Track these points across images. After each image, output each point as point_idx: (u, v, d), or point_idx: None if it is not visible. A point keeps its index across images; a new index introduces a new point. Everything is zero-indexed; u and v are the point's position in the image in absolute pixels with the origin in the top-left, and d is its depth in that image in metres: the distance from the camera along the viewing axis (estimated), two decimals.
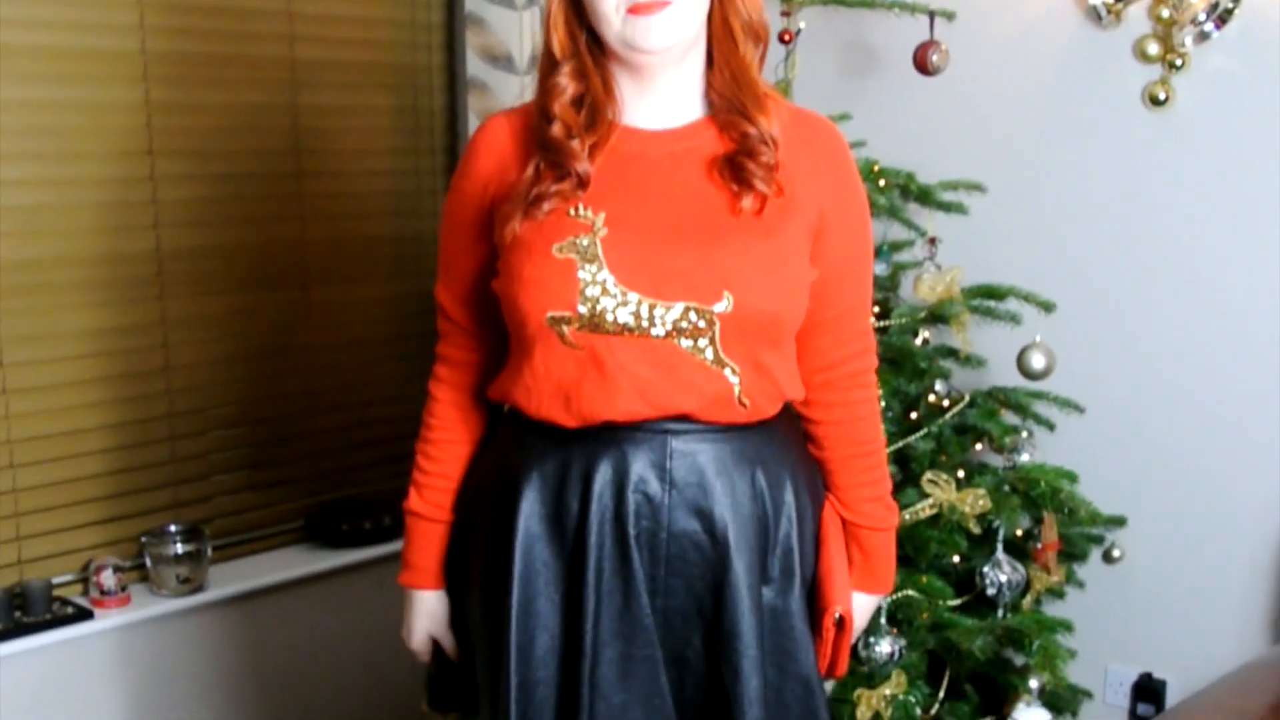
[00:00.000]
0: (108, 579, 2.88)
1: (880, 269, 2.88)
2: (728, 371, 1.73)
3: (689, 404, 1.73)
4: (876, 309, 2.85)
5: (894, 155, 2.88)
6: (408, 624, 2.02)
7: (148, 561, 2.98)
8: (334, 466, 3.34)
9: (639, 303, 1.70)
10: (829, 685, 2.60)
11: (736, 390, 1.74)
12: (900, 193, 2.82)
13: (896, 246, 2.97)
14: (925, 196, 2.84)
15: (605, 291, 1.69)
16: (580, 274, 1.70)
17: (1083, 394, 2.93)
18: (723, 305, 1.70)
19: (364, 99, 3.35)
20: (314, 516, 3.30)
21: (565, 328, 1.71)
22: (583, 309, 1.70)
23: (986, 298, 2.80)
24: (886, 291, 2.94)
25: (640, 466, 1.75)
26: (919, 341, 2.81)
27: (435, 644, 2.04)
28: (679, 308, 1.70)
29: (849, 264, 1.86)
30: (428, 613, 2.00)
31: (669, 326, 1.70)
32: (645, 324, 1.70)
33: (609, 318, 1.69)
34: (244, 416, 3.18)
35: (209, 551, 3.03)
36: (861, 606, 1.96)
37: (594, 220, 1.72)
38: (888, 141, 2.98)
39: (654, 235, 1.72)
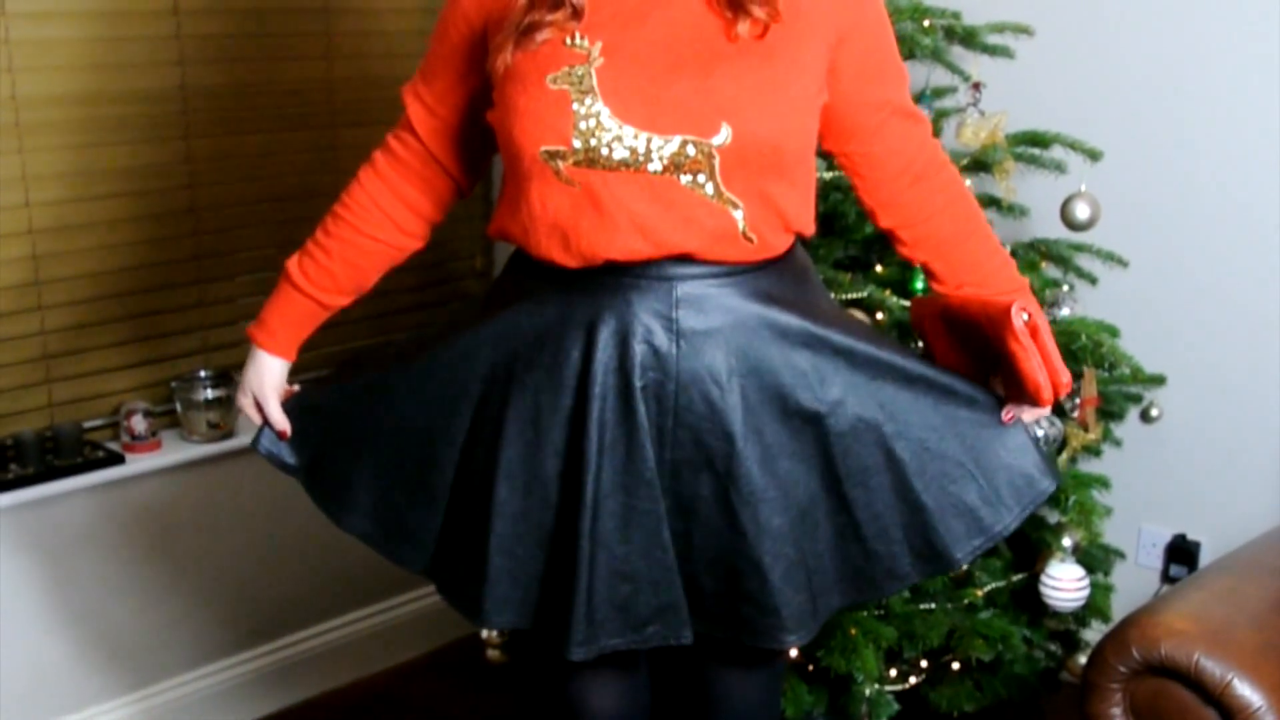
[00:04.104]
0: (138, 424, 2.89)
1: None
2: (730, 206, 1.69)
3: (690, 242, 1.69)
4: None
5: None
6: (243, 378, 2.00)
7: (178, 406, 2.99)
8: (365, 313, 3.30)
9: (635, 136, 1.65)
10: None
11: (741, 225, 1.70)
12: (944, 34, 2.73)
13: (939, 92, 2.89)
14: (970, 38, 2.75)
15: (600, 125, 1.65)
16: (575, 106, 1.66)
17: (1127, 247, 2.86)
18: (721, 138, 1.65)
19: None
20: (344, 363, 3.25)
21: (560, 163, 1.67)
22: (577, 143, 1.66)
23: (1031, 145, 2.74)
24: None
25: (646, 316, 1.72)
26: None
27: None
28: (676, 141, 1.65)
29: (885, 61, 1.83)
30: (260, 374, 1.99)
31: (666, 161, 1.66)
32: (642, 159, 1.66)
33: (604, 152, 1.65)
34: (272, 261, 3.14)
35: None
36: None
37: (590, 50, 1.67)
38: None
39: (651, 65, 1.67)
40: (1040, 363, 1.73)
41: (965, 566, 1.81)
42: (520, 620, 1.82)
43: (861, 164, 1.86)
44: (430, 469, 1.87)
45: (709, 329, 1.73)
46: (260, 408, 2.00)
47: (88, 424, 2.90)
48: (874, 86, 1.81)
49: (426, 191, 1.93)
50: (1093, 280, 2.88)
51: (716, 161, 1.66)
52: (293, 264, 1.96)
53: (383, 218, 1.93)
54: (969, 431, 1.83)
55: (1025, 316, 1.73)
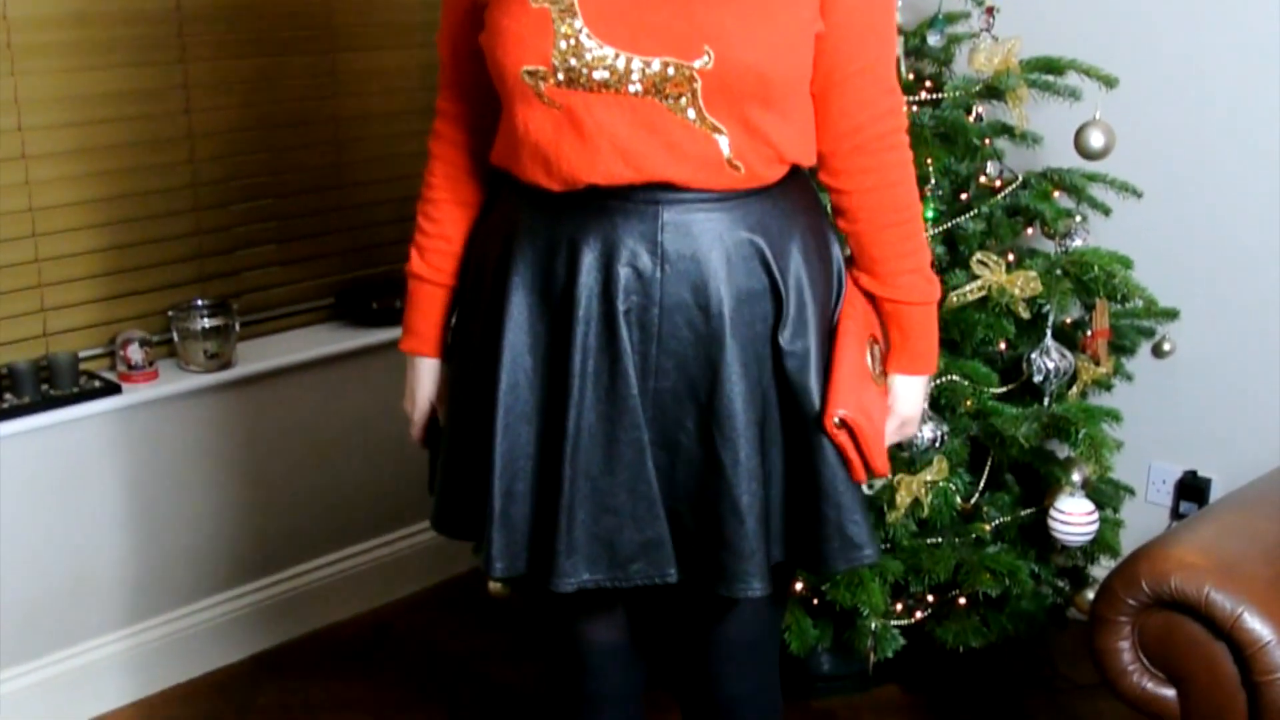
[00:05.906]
0: (134, 353, 2.85)
1: (934, 40, 2.76)
2: (713, 131, 1.64)
3: (673, 169, 1.65)
4: (928, 83, 2.73)
5: None
6: (410, 392, 1.98)
7: (175, 336, 2.95)
8: (364, 243, 3.28)
9: (616, 56, 1.61)
10: (878, 483, 2.55)
11: (726, 152, 1.66)
12: None
13: (952, 17, 2.83)
14: None
15: (580, 44, 1.62)
16: (555, 25, 1.62)
17: (1142, 177, 2.81)
18: (703, 61, 1.61)
19: None
20: (343, 294, 3.25)
21: (541, 84, 1.64)
22: (557, 62, 1.62)
23: (1045, 71, 2.69)
24: (940, 64, 2.81)
25: (631, 239, 1.68)
26: (972, 117, 2.70)
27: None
28: (657, 63, 1.61)
29: (871, 12, 1.74)
30: (426, 380, 1.97)
31: (646, 82, 1.61)
32: (622, 79, 1.62)
33: (584, 72, 1.62)
34: (270, 188, 3.11)
35: (237, 327, 2.99)
36: (908, 390, 1.89)
37: None
38: None
39: None
40: (856, 458, 1.77)
41: (876, 561, 1.83)
42: (520, 565, 1.79)
43: (816, 107, 1.78)
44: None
45: (695, 253, 1.69)
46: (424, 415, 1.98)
47: (84, 353, 2.86)
48: (856, 40, 1.72)
49: (488, 135, 1.88)
50: (1106, 211, 2.83)
51: (698, 85, 1.62)
52: (415, 265, 1.93)
53: (475, 182, 1.90)
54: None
55: (839, 422, 1.73)
